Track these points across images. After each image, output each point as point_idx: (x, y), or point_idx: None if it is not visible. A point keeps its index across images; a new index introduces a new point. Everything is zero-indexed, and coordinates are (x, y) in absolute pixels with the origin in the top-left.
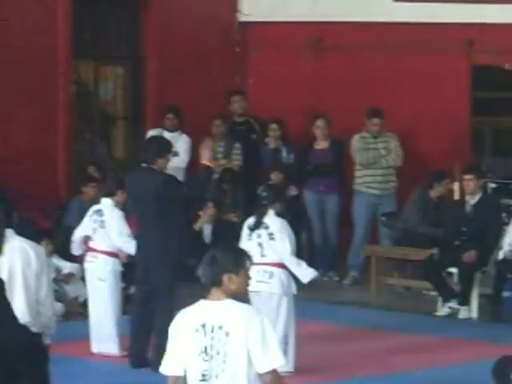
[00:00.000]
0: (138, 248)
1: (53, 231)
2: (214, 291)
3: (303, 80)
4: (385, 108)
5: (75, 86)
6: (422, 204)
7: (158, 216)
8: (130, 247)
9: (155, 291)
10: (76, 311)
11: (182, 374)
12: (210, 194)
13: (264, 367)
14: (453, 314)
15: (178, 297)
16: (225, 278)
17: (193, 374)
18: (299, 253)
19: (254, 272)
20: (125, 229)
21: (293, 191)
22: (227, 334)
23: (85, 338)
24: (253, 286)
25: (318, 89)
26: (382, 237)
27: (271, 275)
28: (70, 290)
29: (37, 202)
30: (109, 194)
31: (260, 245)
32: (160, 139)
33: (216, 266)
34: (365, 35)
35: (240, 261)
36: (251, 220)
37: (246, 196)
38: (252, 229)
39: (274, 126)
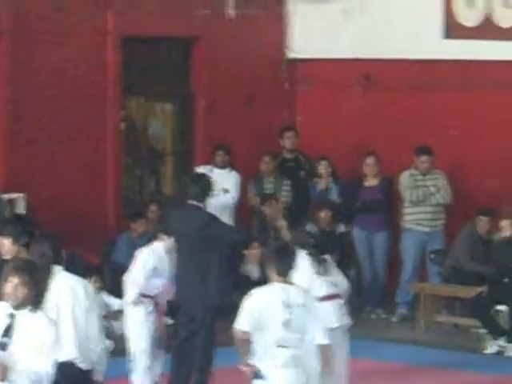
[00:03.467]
0: (180, 286)
1: (101, 268)
2: (288, 277)
3: (351, 117)
4: (433, 145)
5: (125, 123)
6: (471, 241)
7: (201, 255)
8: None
9: (197, 330)
10: (125, 348)
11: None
12: (255, 233)
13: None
14: (501, 352)
15: (217, 333)
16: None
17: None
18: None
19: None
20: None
21: (341, 228)
22: (304, 309)
23: None
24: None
25: (365, 126)
26: (431, 274)
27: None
28: (119, 327)
29: (85, 239)
30: (156, 237)
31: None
32: (207, 177)
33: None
34: (413, 72)
35: None
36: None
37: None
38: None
39: (324, 162)
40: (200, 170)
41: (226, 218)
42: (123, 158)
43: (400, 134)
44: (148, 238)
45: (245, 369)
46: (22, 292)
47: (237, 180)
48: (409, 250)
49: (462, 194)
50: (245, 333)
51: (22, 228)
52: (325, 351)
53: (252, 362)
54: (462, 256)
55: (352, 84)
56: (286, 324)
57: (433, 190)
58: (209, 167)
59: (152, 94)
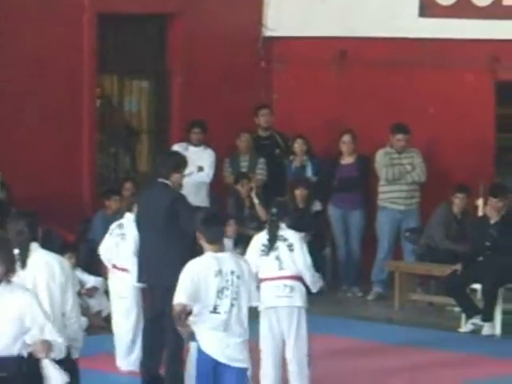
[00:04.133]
0: (145, 265)
1: (76, 245)
2: (219, 245)
3: (328, 95)
4: (409, 123)
5: (100, 100)
6: (446, 220)
7: (165, 233)
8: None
9: (161, 310)
10: (99, 325)
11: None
12: (230, 210)
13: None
14: (476, 331)
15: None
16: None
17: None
18: (323, 268)
19: (271, 287)
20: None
21: (317, 206)
22: (238, 277)
23: (108, 352)
24: (272, 302)
25: (342, 104)
26: (406, 252)
27: (292, 289)
28: (94, 303)
29: (61, 216)
30: (130, 209)
31: (278, 258)
32: (176, 154)
33: (220, 224)
34: (389, 50)
35: None
36: (263, 236)
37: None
38: (269, 243)
39: (299, 141)
40: (175, 147)
41: (203, 196)
42: (98, 135)
43: (376, 112)
44: (122, 216)
45: (180, 329)
46: None
47: (212, 158)
48: (384, 229)
49: (437, 172)
50: (184, 305)
51: None
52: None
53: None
54: (437, 234)
55: (328, 62)
56: (221, 291)
57: (408, 168)
58: (184, 145)
59: (128, 72)
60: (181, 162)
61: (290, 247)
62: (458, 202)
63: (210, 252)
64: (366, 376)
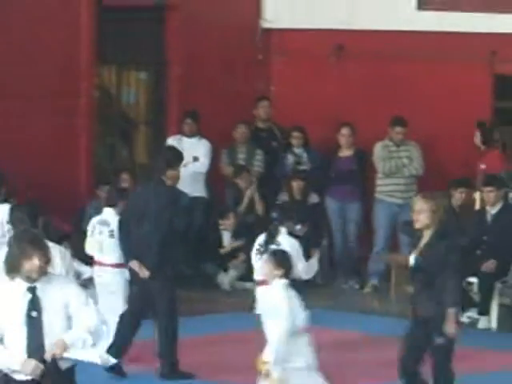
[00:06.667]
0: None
1: (72, 235)
2: None
3: (326, 88)
4: (407, 117)
5: (98, 91)
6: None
7: (158, 228)
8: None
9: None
10: None
11: None
12: (229, 203)
13: None
14: (472, 324)
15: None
16: None
17: None
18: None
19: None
20: None
21: (314, 199)
22: None
23: None
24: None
25: (340, 96)
26: (403, 245)
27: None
28: (90, 294)
29: (57, 207)
30: (112, 204)
31: None
32: (171, 150)
33: None
34: (388, 43)
35: None
36: (262, 237)
37: (264, 202)
38: (264, 246)
39: (296, 133)
40: (169, 140)
41: (200, 187)
42: (96, 126)
43: (374, 105)
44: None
45: None
46: None
47: (207, 148)
48: (381, 221)
49: (435, 165)
50: None
51: None
52: None
53: None
54: None
55: (326, 54)
56: None
57: (406, 161)
58: (178, 137)
59: (126, 62)
60: (175, 158)
61: None
62: (458, 196)
63: None
64: (362, 368)
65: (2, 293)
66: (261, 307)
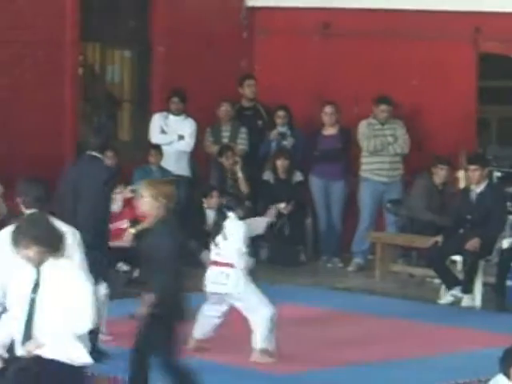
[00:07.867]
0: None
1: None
2: None
3: (310, 66)
4: (391, 95)
5: (82, 69)
6: (427, 191)
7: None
8: None
9: None
10: None
11: None
12: (213, 182)
13: None
14: (456, 302)
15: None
16: None
17: None
18: (304, 239)
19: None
20: None
21: (298, 177)
22: None
23: None
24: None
25: (324, 75)
26: (388, 224)
27: (227, 276)
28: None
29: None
30: None
31: (217, 245)
32: (103, 129)
33: None
34: (372, 22)
35: None
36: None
37: (249, 181)
38: (213, 231)
39: (281, 113)
40: (155, 117)
41: (184, 165)
42: (80, 103)
43: (359, 84)
44: None
45: None
46: None
47: (193, 127)
48: (366, 200)
49: (420, 143)
50: None
51: None
52: None
53: None
54: (417, 205)
55: (311, 33)
56: None
57: (390, 139)
58: (164, 114)
59: (110, 40)
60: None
61: (225, 236)
62: (441, 173)
63: None
64: (344, 346)
65: (18, 269)
66: None
